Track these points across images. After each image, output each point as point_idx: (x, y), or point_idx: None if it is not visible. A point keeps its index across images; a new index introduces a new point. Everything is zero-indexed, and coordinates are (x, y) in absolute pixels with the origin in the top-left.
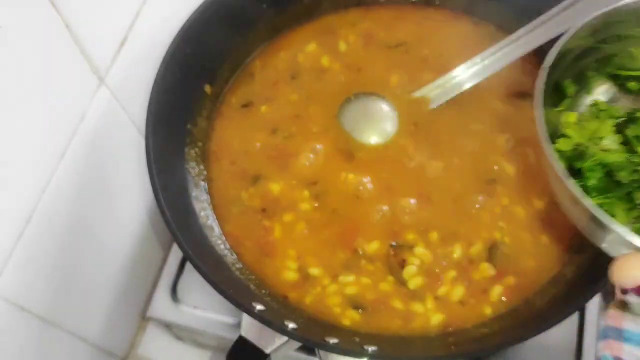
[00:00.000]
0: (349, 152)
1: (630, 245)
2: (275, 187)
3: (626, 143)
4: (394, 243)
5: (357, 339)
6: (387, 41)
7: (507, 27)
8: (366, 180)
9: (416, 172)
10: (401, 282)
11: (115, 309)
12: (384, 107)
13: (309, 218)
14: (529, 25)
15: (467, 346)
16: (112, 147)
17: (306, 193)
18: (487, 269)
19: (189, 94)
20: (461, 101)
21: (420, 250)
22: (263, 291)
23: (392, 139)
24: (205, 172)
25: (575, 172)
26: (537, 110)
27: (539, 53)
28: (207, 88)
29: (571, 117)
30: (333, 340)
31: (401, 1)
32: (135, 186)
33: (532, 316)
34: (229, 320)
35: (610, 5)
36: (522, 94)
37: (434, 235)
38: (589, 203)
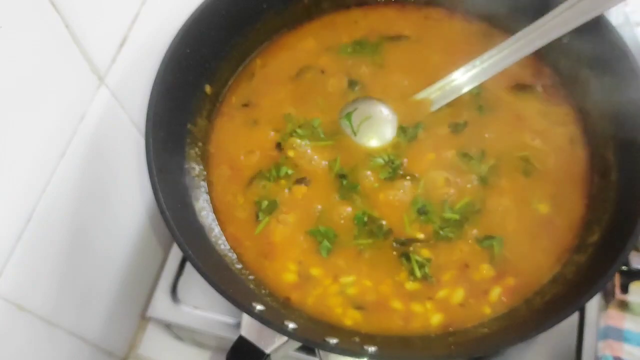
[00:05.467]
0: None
1: None
2: (276, 188)
3: None
4: (395, 244)
5: (357, 339)
6: (387, 40)
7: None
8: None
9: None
10: (401, 283)
11: (115, 309)
12: (384, 111)
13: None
14: (528, 28)
15: (467, 346)
16: (112, 147)
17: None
18: (487, 270)
19: (189, 93)
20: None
21: (420, 250)
22: (263, 291)
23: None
24: (205, 173)
25: None
26: None
27: None
28: (207, 88)
29: None
30: (333, 341)
31: (400, 0)
32: (135, 186)
33: (532, 316)
34: (229, 320)
35: (609, 6)
36: (522, 86)
37: (434, 236)
38: None
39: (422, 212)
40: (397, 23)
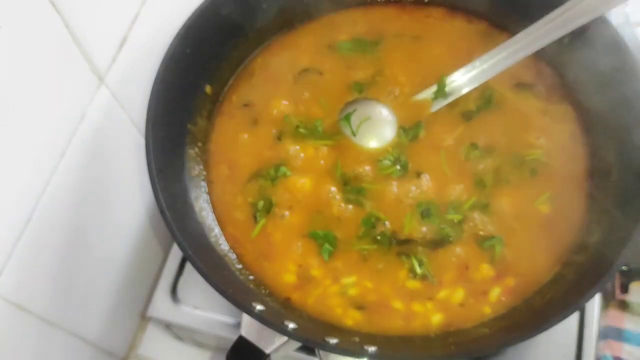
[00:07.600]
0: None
1: None
2: (275, 189)
3: None
4: (394, 240)
5: (357, 339)
6: (387, 40)
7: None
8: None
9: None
10: (402, 282)
11: (115, 309)
12: (383, 112)
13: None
14: (528, 29)
15: (467, 346)
16: (112, 147)
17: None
18: (487, 270)
19: (189, 93)
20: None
21: (420, 251)
22: (263, 291)
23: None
24: (205, 173)
25: None
26: None
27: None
28: (207, 88)
29: None
30: (333, 340)
31: (399, 0)
32: (135, 186)
33: (532, 316)
34: (229, 320)
35: (610, 7)
36: (523, 85)
37: (434, 236)
38: None
39: (425, 214)
40: (397, 23)
